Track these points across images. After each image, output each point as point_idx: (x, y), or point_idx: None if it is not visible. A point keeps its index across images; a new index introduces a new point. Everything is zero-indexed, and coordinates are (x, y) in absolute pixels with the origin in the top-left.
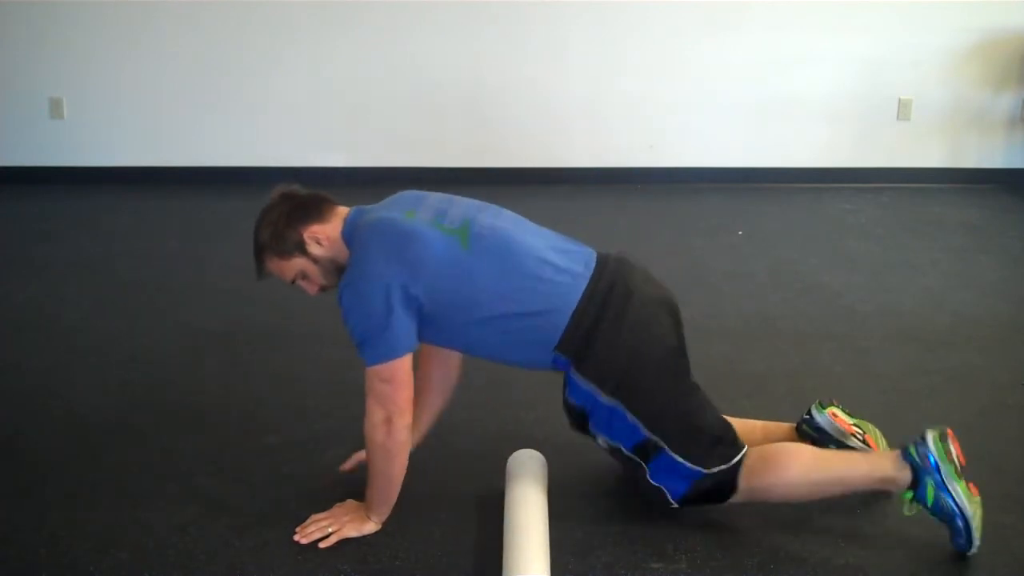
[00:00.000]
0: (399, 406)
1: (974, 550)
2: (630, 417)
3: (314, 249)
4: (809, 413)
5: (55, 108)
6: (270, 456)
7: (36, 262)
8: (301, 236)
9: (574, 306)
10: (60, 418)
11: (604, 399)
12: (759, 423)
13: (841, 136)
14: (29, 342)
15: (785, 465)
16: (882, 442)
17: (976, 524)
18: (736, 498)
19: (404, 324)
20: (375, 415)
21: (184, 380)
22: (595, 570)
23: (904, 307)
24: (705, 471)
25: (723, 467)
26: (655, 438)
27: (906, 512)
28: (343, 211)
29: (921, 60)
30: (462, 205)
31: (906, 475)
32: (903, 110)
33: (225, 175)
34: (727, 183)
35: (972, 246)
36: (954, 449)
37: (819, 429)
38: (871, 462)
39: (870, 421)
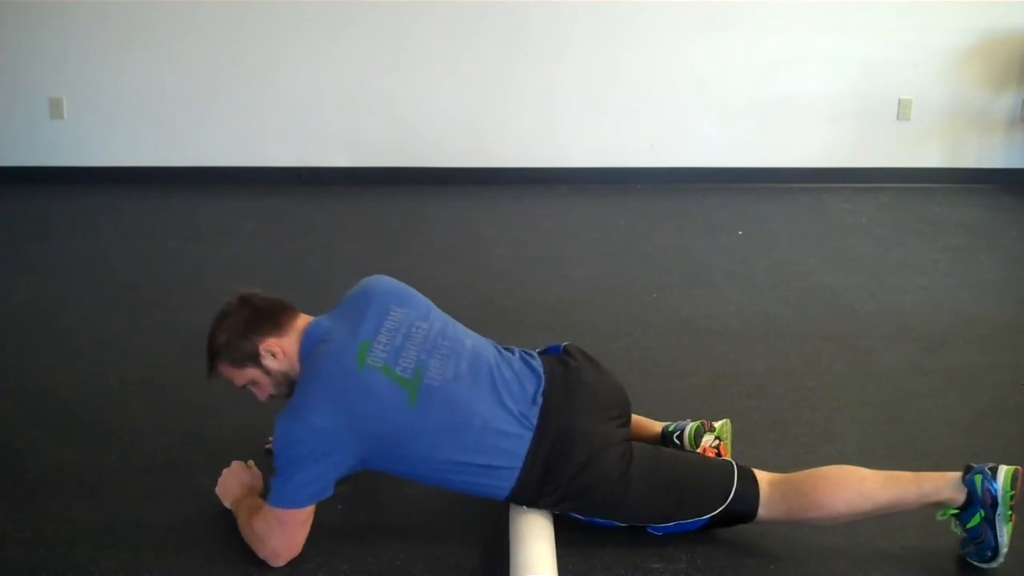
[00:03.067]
0: (275, 551)
1: (993, 566)
2: (603, 520)
3: (268, 362)
4: (680, 440)
5: (55, 108)
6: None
7: (36, 262)
8: (257, 348)
9: (520, 467)
10: (60, 418)
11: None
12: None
13: (841, 136)
14: (29, 342)
15: (830, 496)
16: (729, 435)
17: (1006, 550)
18: (765, 517)
19: (320, 477)
20: (255, 540)
21: (184, 380)
22: (595, 570)
23: (904, 307)
24: (704, 518)
25: (720, 509)
26: (637, 524)
27: (939, 517)
28: (302, 323)
29: (921, 60)
30: (417, 339)
31: (960, 497)
32: (903, 110)
33: (225, 175)
34: (727, 183)
35: (972, 246)
36: (1019, 489)
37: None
38: (923, 486)
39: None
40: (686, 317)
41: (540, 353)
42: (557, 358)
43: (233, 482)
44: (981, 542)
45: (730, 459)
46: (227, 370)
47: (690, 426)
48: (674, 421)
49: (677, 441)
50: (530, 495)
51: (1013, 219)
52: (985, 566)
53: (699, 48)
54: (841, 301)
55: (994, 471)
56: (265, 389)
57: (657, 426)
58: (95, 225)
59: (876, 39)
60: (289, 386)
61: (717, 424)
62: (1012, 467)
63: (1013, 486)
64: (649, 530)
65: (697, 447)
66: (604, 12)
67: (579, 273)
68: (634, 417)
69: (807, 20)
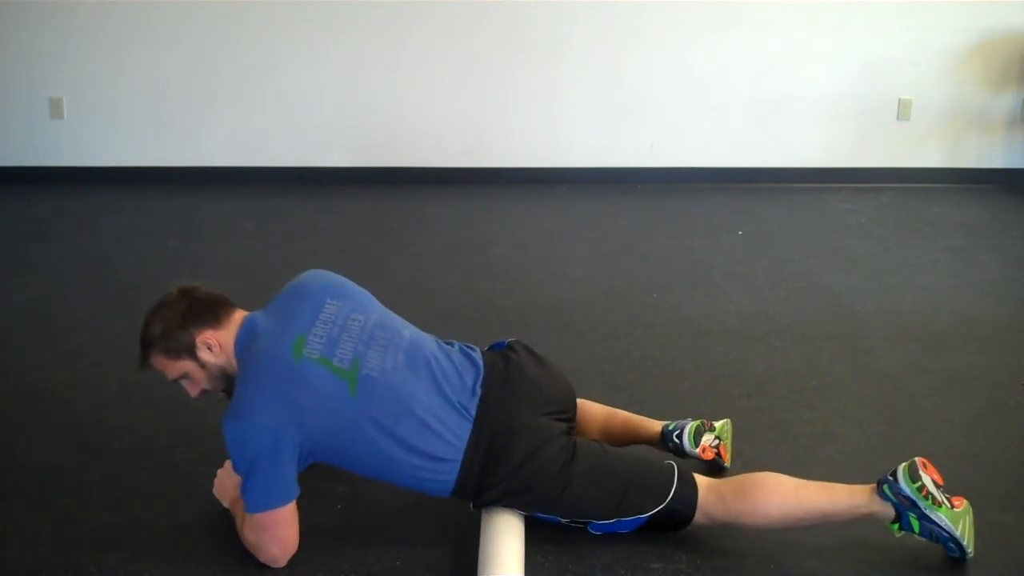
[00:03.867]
0: (272, 555)
1: (970, 556)
2: (544, 516)
3: (204, 355)
4: (680, 439)
5: (55, 108)
6: None
7: (36, 262)
8: (193, 339)
9: (460, 459)
10: (60, 418)
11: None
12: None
13: (841, 136)
14: (29, 342)
15: (764, 501)
16: (729, 436)
17: (967, 535)
18: (702, 521)
19: (285, 474)
20: (252, 550)
21: None
22: (595, 570)
23: (904, 307)
24: (643, 517)
25: (659, 507)
26: (579, 521)
27: (896, 535)
28: (239, 317)
29: (921, 60)
30: (354, 331)
31: (888, 510)
32: (903, 110)
33: (225, 175)
34: (727, 183)
35: (972, 246)
36: (928, 477)
37: (683, 453)
38: (852, 498)
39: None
40: (686, 317)
41: (485, 350)
42: (499, 353)
43: (228, 482)
44: (937, 539)
45: (672, 461)
46: (160, 361)
47: (690, 425)
48: (674, 421)
49: (677, 440)
50: (473, 490)
51: (1013, 219)
52: (964, 557)
53: (699, 48)
54: (841, 301)
55: (894, 474)
56: (198, 384)
57: (657, 426)
58: (95, 225)
59: (876, 39)
60: (224, 381)
61: (717, 424)
62: (906, 462)
63: (914, 478)
64: (589, 529)
65: (697, 447)
66: (604, 12)
67: (579, 273)
68: (633, 417)
69: (807, 20)
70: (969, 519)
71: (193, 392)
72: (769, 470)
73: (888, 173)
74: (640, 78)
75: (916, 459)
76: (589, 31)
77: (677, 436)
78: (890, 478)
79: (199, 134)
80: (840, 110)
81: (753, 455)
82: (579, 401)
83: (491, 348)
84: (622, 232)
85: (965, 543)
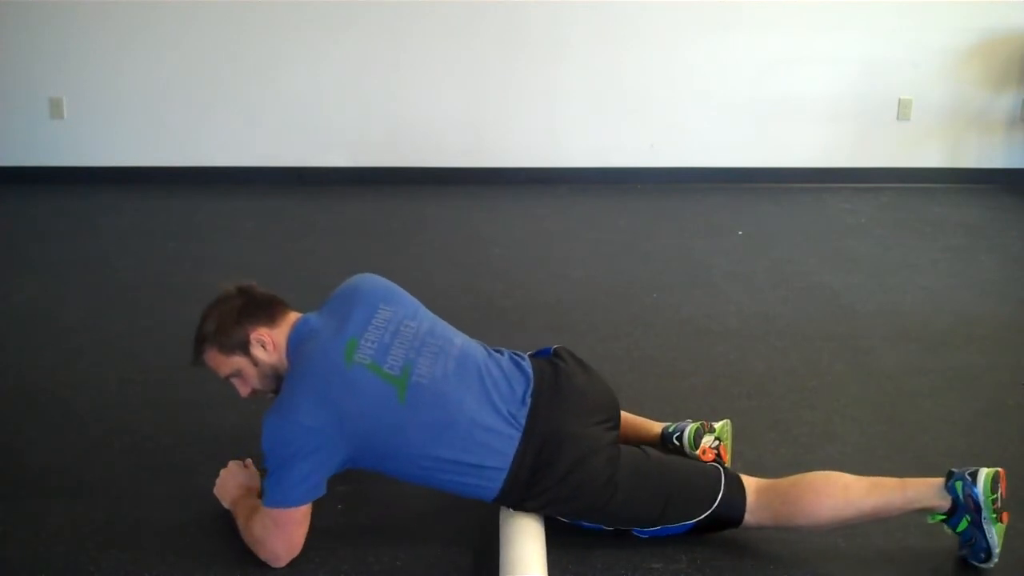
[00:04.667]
0: (275, 552)
1: (993, 564)
2: (588, 524)
3: (258, 352)
4: (680, 441)
5: (55, 108)
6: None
7: (36, 262)
8: (248, 336)
9: (508, 467)
10: (60, 418)
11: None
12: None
13: (841, 136)
14: (29, 342)
15: (815, 504)
16: (729, 436)
17: (999, 550)
18: (752, 523)
19: (311, 475)
20: (255, 543)
21: (184, 380)
22: (595, 570)
23: (904, 307)
24: (690, 523)
25: (706, 514)
26: (623, 528)
27: (929, 521)
28: (293, 317)
29: (921, 60)
30: (406, 337)
31: (945, 503)
32: (903, 110)
33: (225, 175)
34: (727, 183)
35: (972, 246)
36: (1001, 491)
37: (682, 455)
38: (908, 492)
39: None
40: (686, 317)
41: (530, 356)
42: (547, 360)
43: (230, 483)
44: (973, 544)
45: (717, 464)
46: (214, 357)
47: (690, 427)
48: (674, 422)
49: (677, 442)
50: (517, 497)
51: (1013, 219)
52: (983, 566)
53: (699, 48)
54: (841, 301)
55: (974, 476)
56: (249, 382)
57: (657, 427)
58: (95, 225)
59: (876, 39)
60: (275, 380)
61: (717, 425)
62: (992, 470)
63: (994, 489)
64: (634, 532)
65: (697, 448)
66: (604, 12)
67: (579, 273)
68: (633, 417)
69: (807, 20)
70: (1003, 538)
71: (244, 391)
72: (769, 470)
73: (888, 173)
74: (640, 78)
75: (1000, 470)
76: (589, 31)
77: (677, 438)
78: (968, 477)
79: (199, 134)
80: (840, 110)
81: (753, 455)
82: None
83: (536, 354)
84: (622, 232)
85: (996, 554)
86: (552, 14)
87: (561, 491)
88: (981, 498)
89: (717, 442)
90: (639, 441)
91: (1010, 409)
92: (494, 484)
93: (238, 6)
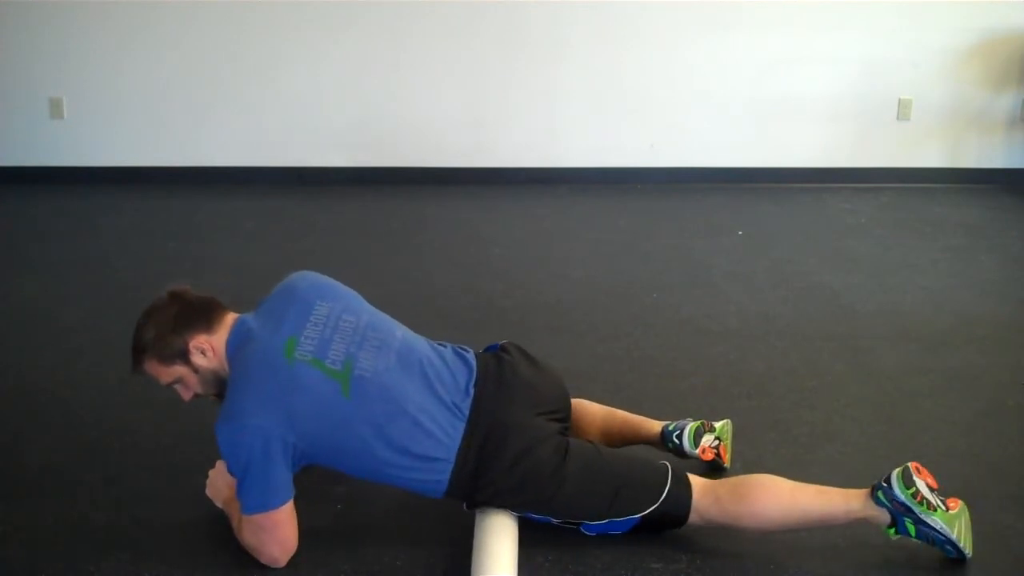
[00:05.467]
0: (273, 556)
1: (968, 557)
2: (537, 516)
3: (198, 359)
4: (680, 439)
5: (55, 108)
6: None
7: (36, 262)
8: (187, 344)
9: (453, 458)
10: (60, 418)
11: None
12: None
13: (841, 136)
14: (29, 342)
15: (760, 503)
16: (729, 436)
17: (963, 537)
18: (697, 522)
19: (281, 474)
20: (251, 552)
21: None
22: (595, 570)
23: (904, 307)
24: (636, 517)
25: (652, 508)
26: (572, 521)
27: (892, 538)
28: (230, 319)
29: (921, 60)
30: (346, 332)
31: (884, 515)
32: (903, 110)
33: (225, 175)
34: (727, 183)
35: (972, 246)
36: (922, 482)
37: (682, 453)
38: (848, 503)
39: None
40: (686, 317)
41: (479, 352)
42: (492, 354)
43: (220, 482)
44: (934, 542)
45: (666, 462)
46: (153, 367)
47: (690, 426)
48: (674, 421)
49: (676, 441)
50: (465, 490)
51: (1013, 219)
52: (963, 558)
53: (699, 48)
54: (841, 301)
55: (888, 480)
56: (191, 388)
57: (657, 426)
58: (95, 225)
59: (876, 39)
60: (216, 384)
61: (718, 424)
62: (900, 468)
63: (908, 484)
64: (581, 529)
65: (696, 447)
66: (604, 12)
67: (579, 273)
68: (633, 416)
69: (807, 20)
70: (965, 520)
71: (186, 396)
72: (769, 470)
73: (888, 173)
74: (640, 78)
75: (909, 464)
76: (589, 31)
77: (677, 437)
78: (884, 484)
79: (199, 134)
80: (840, 110)
81: (753, 455)
82: (578, 401)
83: (485, 350)
84: (622, 232)
85: (962, 545)
86: (552, 14)
87: (508, 482)
88: (902, 498)
89: (717, 442)
90: (638, 440)
91: (1010, 409)
92: (441, 477)
93: (238, 6)
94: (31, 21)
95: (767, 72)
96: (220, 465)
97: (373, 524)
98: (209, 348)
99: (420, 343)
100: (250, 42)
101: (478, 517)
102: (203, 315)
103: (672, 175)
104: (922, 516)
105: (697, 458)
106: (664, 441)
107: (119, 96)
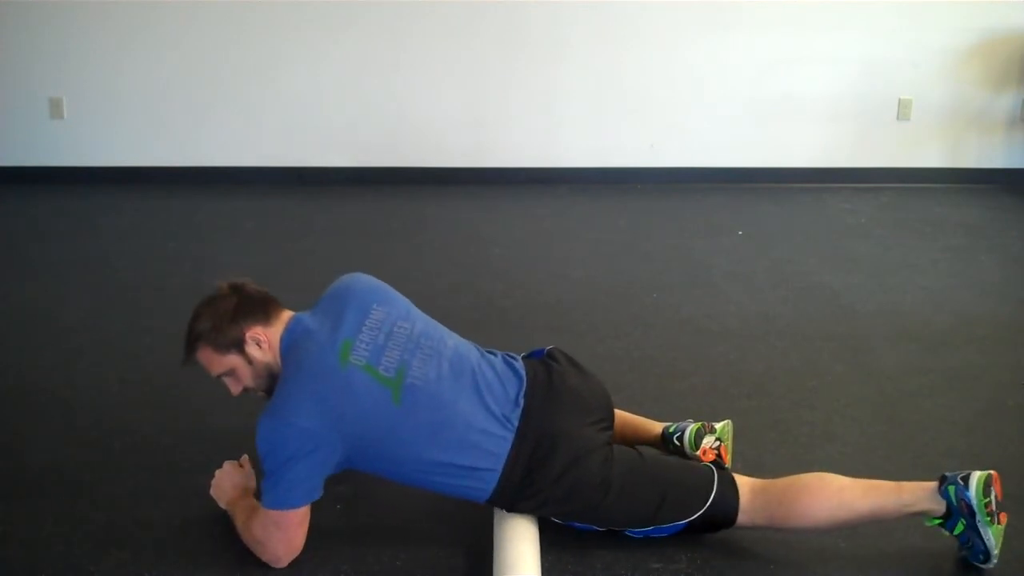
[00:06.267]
0: (277, 554)
1: (992, 566)
2: (581, 524)
3: (253, 351)
4: (680, 441)
5: (55, 108)
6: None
7: (36, 262)
8: (243, 335)
9: (501, 469)
10: (61, 418)
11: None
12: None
13: (841, 136)
14: (29, 342)
15: (809, 506)
16: (730, 436)
17: (997, 551)
18: (745, 523)
19: (309, 476)
20: (256, 545)
21: (184, 380)
22: (595, 570)
23: (904, 307)
24: (683, 523)
25: (698, 514)
26: (616, 528)
27: (926, 524)
28: (286, 316)
29: (921, 60)
30: (400, 338)
31: (940, 507)
32: (903, 110)
33: (225, 175)
34: (727, 183)
35: (972, 246)
36: (995, 493)
37: (683, 455)
38: (903, 496)
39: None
40: (686, 317)
41: (524, 357)
42: (540, 361)
43: (226, 484)
44: (971, 546)
45: (711, 464)
46: (207, 355)
47: (691, 427)
48: (675, 421)
49: (677, 442)
50: (510, 498)
51: (1013, 219)
52: (983, 566)
53: (699, 48)
54: (841, 301)
55: (967, 480)
56: (242, 380)
57: (657, 427)
58: (95, 225)
59: (876, 39)
60: (268, 380)
61: (718, 425)
62: (984, 473)
63: (986, 493)
64: (627, 533)
65: (697, 449)
66: (604, 12)
67: (579, 273)
68: (633, 417)
69: (807, 20)
70: (1001, 538)
71: (235, 389)
72: (769, 470)
73: (888, 173)
74: (640, 78)
75: (992, 473)
76: (589, 31)
77: (678, 439)
78: (960, 482)
79: (199, 134)
80: (840, 110)
81: (753, 455)
82: None
83: (530, 356)
84: (622, 232)
85: (995, 555)
86: (552, 14)
87: (555, 492)
88: (974, 502)
89: (718, 443)
90: (639, 441)
91: (1010, 409)
92: (487, 486)
93: (238, 6)
94: (31, 21)
95: (767, 72)
96: (228, 466)
97: (373, 524)
98: (265, 341)
99: (471, 352)
100: (250, 42)
101: (497, 517)
102: (261, 308)
103: (672, 175)
104: (980, 525)
105: (698, 460)
106: (665, 443)
107: (119, 96)
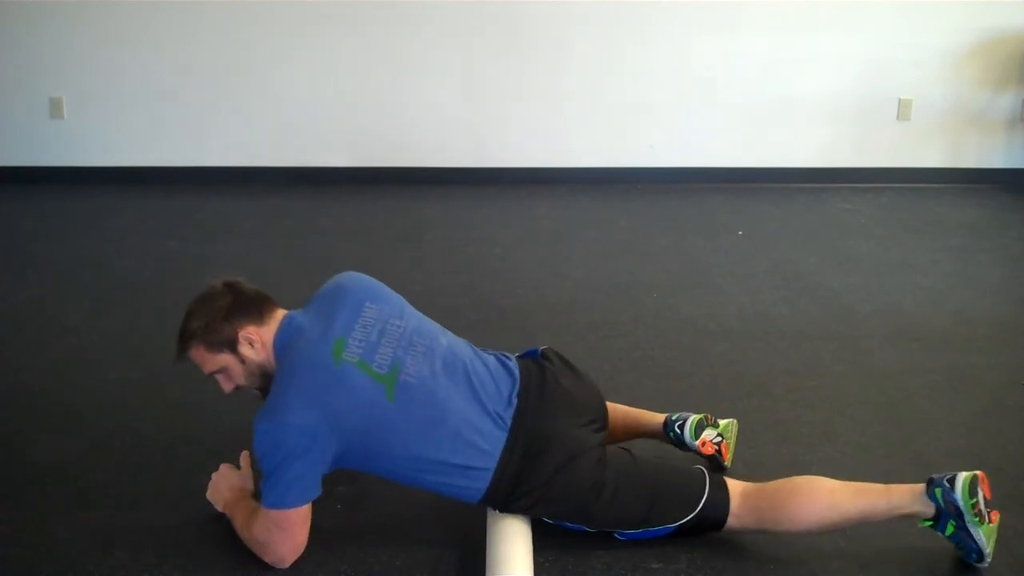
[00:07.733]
0: (280, 555)
1: (987, 564)
2: (571, 525)
3: (245, 350)
4: (681, 429)
5: (55, 108)
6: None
7: (36, 262)
8: (236, 334)
9: (494, 468)
10: (60, 418)
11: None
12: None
13: (841, 136)
14: (29, 342)
15: (799, 509)
16: (733, 435)
17: (990, 550)
18: (735, 526)
19: (308, 474)
20: (258, 547)
21: (184, 380)
22: (595, 570)
23: (904, 307)
24: (673, 526)
25: (689, 517)
26: (606, 530)
27: (919, 525)
28: (280, 315)
29: (921, 60)
30: (393, 336)
31: (929, 510)
32: (903, 110)
33: (225, 175)
34: (727, 183)
35: (972, 246)
36: (983, 493)
37: (682, 444)
38: (892, 499)
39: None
40: (686, 317)
41: (518, 357)
42: (534, 361)
43: (222, 486)
44: (964, 547)
45: (702, 467)
46: (199, 354)
47: (693, 418)
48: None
49: (678, 430)
50: (502, 498)
51: (1013, 219)
52: (978, 565)
53: (699, 48)
54: (841, 301)
55: (952, 482)
56: (234, 379)
57: (659, 417)
58: (95, 225)
59: (876, 39)
60: (261, 378)
61: (722, 422)
62: (969, 475)
63: (972, 494)
64: (616, 535)
65: (697, 439)
66: (605, 12)
67: (579, 273)
68: (635, 410)
69: (807, 20)
70: (995, 536)
71: (227, 388)
72: (769, 470)
73: (888, 173)
74: (640, 78)
75: (978, 473)
76: (590, 31)
77: (679, 427)
78: (946, 484)
79: (199, 134)
80: (840, 110)
81: (753, 455)
82: None
83: (524, 355)
84: (622, 232)
85: (987, 554)
86: (552, 14)
87: (548, 492)
88: (961, 503)
89: (719, 439)
90: (640, 431)
91: (1010, 409)
92: (480, 485)
93: (238, 6)
94: (31, 21)
95: (767, 72)
96: (224, 469)
97: (373, 524)
98: (258, 340)
99: (465, 349)
100: (250, 42)
101: (490, 518)
102: (255, 307)
103: (672, 175)
104: (969, 525)
105: (696, 451)
106: (666, 431)
107: (119, 96)
